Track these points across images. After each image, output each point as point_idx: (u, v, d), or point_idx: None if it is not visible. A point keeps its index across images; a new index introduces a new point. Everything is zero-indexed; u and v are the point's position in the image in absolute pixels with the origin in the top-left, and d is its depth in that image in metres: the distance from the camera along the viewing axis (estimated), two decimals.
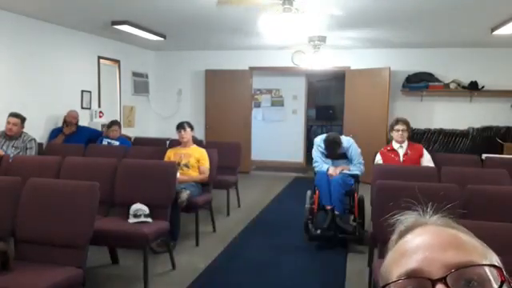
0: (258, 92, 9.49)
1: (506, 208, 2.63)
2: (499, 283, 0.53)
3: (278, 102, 9.59)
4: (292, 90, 9.45)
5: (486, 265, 0.55)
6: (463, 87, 7.28)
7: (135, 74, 8.03)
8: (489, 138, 6.99)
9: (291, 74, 9.04)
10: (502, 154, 6.24)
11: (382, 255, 2.64)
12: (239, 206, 5.68)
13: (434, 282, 0.53)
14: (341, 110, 8.36)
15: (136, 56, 8.00)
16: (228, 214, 5.27)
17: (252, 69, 8.31)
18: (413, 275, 0.55)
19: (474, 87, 7.22)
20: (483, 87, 7.20)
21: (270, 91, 9.57)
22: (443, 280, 0.53)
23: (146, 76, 8.38)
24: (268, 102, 9.62)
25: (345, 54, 7.71)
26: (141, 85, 8.21)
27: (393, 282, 0.57)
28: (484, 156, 4.65)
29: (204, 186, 4.46)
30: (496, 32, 5.50)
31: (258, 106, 9.56)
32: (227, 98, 8.29)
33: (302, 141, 9.41)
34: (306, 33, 6.24)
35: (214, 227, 4.61)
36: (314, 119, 10.41)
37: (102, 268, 3.51)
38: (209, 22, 5.66)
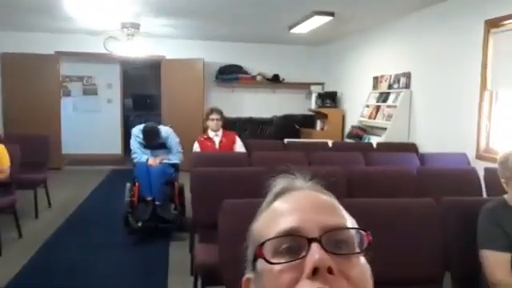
0: (68, 79, 8.68)
1: None
2: (366, 244, 0.59)
3: (90, 91, 8.95)
4: (106, 78, 8.94)
5: (356, 228, 0.61)
6: (267, 79, 8.10)
7: None
8: (289, 125, 7.95)
9: (104, 62, 8.54)
10: (299, 138, 7.19)
11: (203, 240, 2.78)
12: (50, 205, 5.16)
13: (310, 241, 0.56)
14: (159, 99, 8.32)
15: None
16: (37, 217, 4.73)
17: (59, 54, 7.55)
18: (291, 233, 0.58)
19: (276, 80, 8.10)
20: (283, 80, 8.13)
21: (81, 78, 8.86)
22: (318, 239, 0.56)
23: None
24: (79, 91, 8.89)
25: (160, 43, 7.67)
26: None
27: (270, 239, 0.59)
28: (286, 141, 5.29)
29: (4, 187, 3.90)
30: (292, 30, 6.26)
31: (68, 94, 8.75)
32: (30, 85, 7.36)
33: (119, 131, 9.04)
34: (118, 18, 5.99)
35: (19, 232, 4.08)
36: (131, 109, 10.09)
37: None
38: None
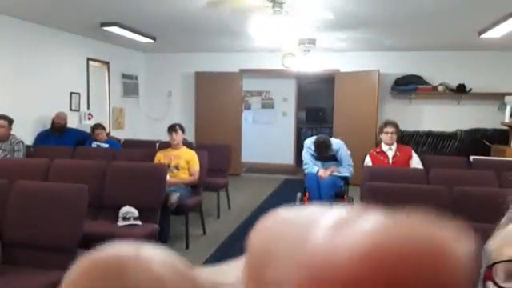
0: (248, 94, 9.51)
1: (493, 210, 2.66)
2: None
3: (268, 105, 9.62)
4: (282, 92, 9.48)
5: None
6: (451, 90, 7.37)
7: (125, 76, 7.98)
8: (476, 140, 7.08)
9: (281, 77, 9.06)
10: (489, 155, 6.32)
11: None
12: (229, 208, 5.68)
13: None
14: (330, 112, 8.40)
15: (125, 58, 7.96)
16: (218, 217, 5.26)
17: (242, 71, 8.31)
18: None
19: (461, 90, 7.31)
20: (470, 90, 7.29)
21: (260, 93, 9.60)
22: None
23: (136, 78, 8.33)
24: (258, 104, 9.64)
25: (334, 56, 7.75)
26: (130, 87, 8.17)
27: (501, 262, 0.53)
28: (472, 158, 4.71)
29: (194, 188, 4.45)
30: (483, 35, 5.57)
31: (249, 108, 9.57)
32: (217, 100, 8.28)
33: (293, 143, 9.43)
34: (295, 35, 6.27)
35: (204, 230, 4.59)
36: (304, 121, 10.44)
37: None
38: (198, 24, 5.66)
